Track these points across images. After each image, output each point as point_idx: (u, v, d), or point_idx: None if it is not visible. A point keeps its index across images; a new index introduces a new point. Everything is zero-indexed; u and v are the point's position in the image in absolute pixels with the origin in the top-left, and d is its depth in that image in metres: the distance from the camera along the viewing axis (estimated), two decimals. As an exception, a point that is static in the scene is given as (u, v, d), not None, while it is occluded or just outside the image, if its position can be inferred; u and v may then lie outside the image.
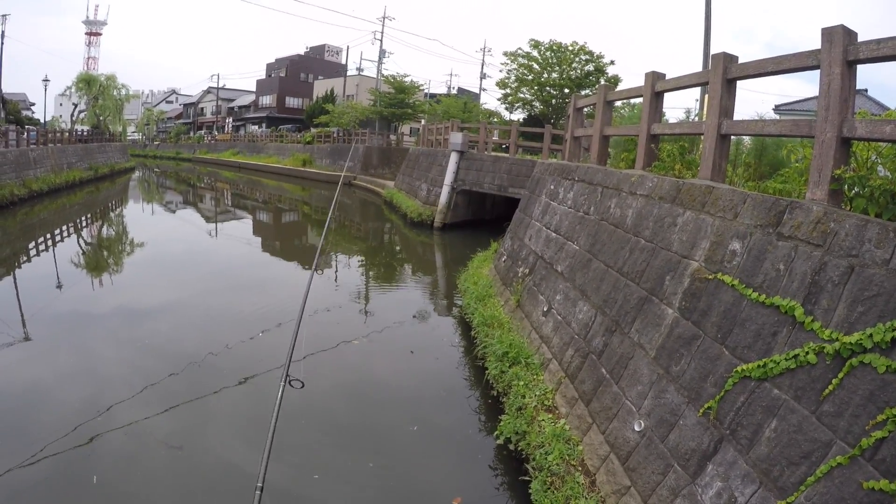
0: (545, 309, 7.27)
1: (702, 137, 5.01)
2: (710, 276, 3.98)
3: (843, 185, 3.55)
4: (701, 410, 3.61)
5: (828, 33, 3.59)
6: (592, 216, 6.82)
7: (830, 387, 2.74)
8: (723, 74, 4.63)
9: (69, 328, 9.51)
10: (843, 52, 3.50)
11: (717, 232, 4.09)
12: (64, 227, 19.80)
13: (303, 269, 15.09)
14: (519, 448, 5.38)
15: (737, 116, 4.77)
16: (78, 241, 18.22)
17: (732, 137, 5.09)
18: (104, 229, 21.16)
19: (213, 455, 5.75)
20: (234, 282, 13.19)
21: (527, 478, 4.84)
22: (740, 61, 4.62)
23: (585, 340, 5.77)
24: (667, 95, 6.14)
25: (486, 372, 6.96)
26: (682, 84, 5.61)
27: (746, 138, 6.57)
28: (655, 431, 4.00)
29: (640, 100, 6.46)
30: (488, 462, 5.77)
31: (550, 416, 5.63)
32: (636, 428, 4.22)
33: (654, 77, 6.06)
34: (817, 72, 3.71)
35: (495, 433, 5.77)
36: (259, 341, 8.77)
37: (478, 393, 7.29)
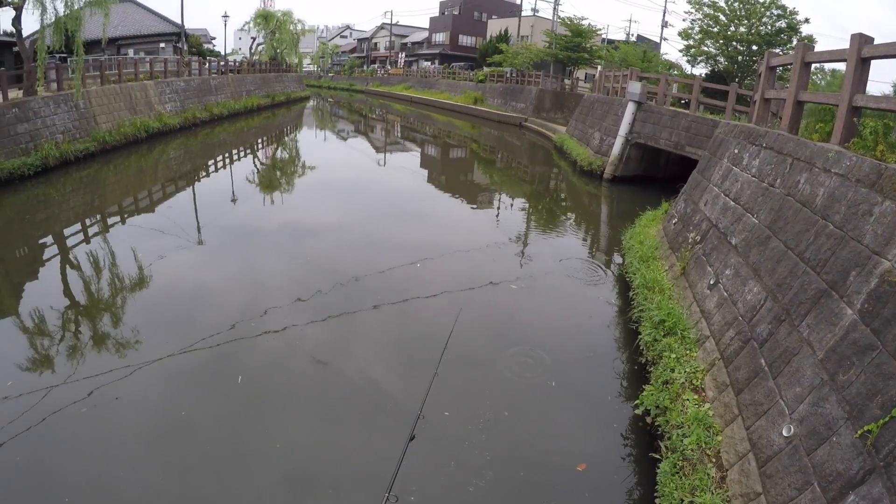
0: (711, 282, 6.90)
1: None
2: (904, 281, 3.54)
3: None
4: (859, 432, 3.33)
5: None
6: (778, 189, 6.21)
7: None
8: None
9: (238, 238, 10.96)
10: None
11: (922, 230, 3.59)
12: (240, 148, 22.45)
13: (465, 206, 15.60)
14: (656, 423, 5.34)
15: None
16: (253, 161, 20.52)
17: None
18: (277, 152, 23.50)
19: (356, 376, 6.32)
20: (398, 210, 14.01)
21: (657, 456, 4.83)
22: None
23: (749, 324, 5.44)
24: (874, 64, 5.25)
25: (639, 337, 6.86)
26: (893, 51, 4.77)
27: None
28: (803, 442, 3.77)
29: (839, 65, 5.60)
30: (621, 431, 5.79)
31: (696, 397, 5.48)
32: (784, 433, 4.00)
33: (862, 40, 5.21)
34: None
35: (635, 402, 5.74)
36: (416, 270, 9.33)
37: (625, 357, 7.25)
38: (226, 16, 49.68)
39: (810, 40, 27.16)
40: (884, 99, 5.37)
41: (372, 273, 9.03)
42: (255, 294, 8.27)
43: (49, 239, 11.52)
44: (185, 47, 38.80)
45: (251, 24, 50.65)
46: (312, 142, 27.69)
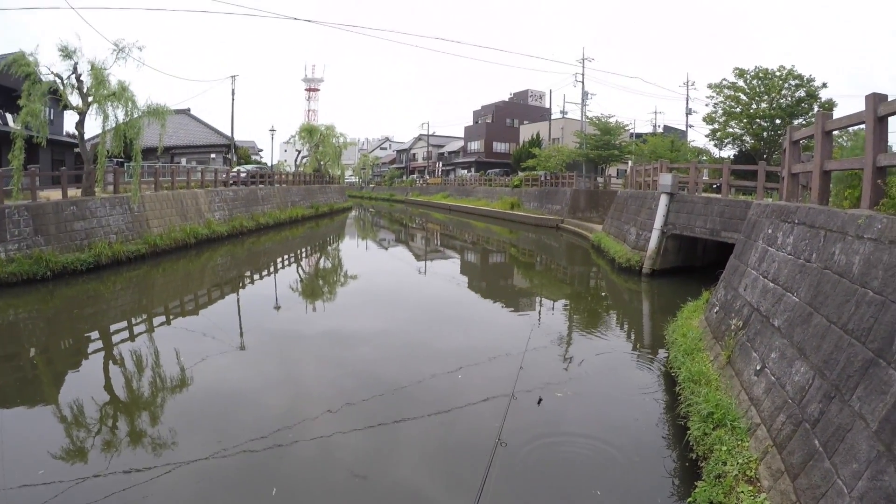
0: (758, 367, 6.69)
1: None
2: (949, 338, 3.44)
3: None
4: (925, 498, 3.13)
5: None
6: (814, 264, 6.17)
7: None
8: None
9: (280, 344, 11.21)
10: None
11: (960, 284, 3.53)
12: (284, 256, 23.37)
13: (505, 310, 15.68)
14: (713, 520, 5.06)
15: None
16: (297, 269, 21.25)
17: None
18: (320, 261, 24.34)
19: (395, 488, 6.12)
20: (438, 317, 14.17)
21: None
22: None
23: (799, 406, 5.22)
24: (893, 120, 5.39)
25: (688, 432, 6.62)
26: None
27: None
28: (868, 518, 3.52)
29: (861, 127, 5.74)
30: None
31: (751, 488, 5.19)
32: (847, 512, 3.74)
33: (876, 99, 5.38)
34: None
35: (688, 501, 5.50)
36: (457, 378, 9.24)
37: (675, 454, 6.94)
38: (273, 130, 53.79)
39: (830, 105, 27.67)
40: None
41: (413, 382, 9.00)
42: (294, 401, 8.31)
43: (95, 333, 12.05)
44: (235, 158, 41.93)
45: (297, 138, 54.52)
46: (354, 251, 28.64)
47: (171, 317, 13.56)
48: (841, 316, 5.12)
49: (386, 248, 30.35)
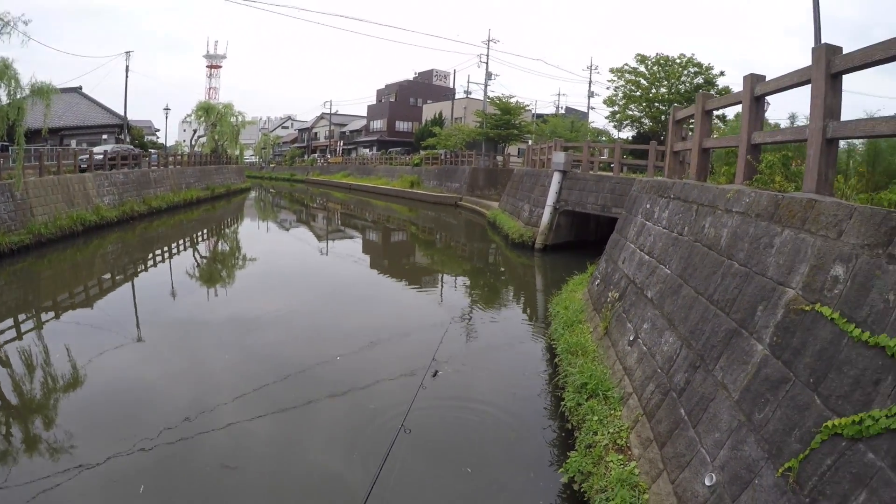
0: (631, 338, 6.68)
1: (806, 145, 4.31)
2: (807, 307, 3.35)
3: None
4: (780, 470, 3.01)
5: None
6: (686, 237, 6.17)
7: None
8: (826, 69, 3.96)
9: (180, 333, 10.32)
10: None
11: (818, 254, 3.45)
12: (179, 241, 21.74)
13: (406, 288, 15.50)
14: (583, 490, 4.93)
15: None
16: (194, 254, 19.85)
17: (842, 144, 4.34)
18: (217, 244, 22.94)
19: (306, 468, 5.81)
20: (342, 297, 13.74)
21: (585, 526, 4.37)
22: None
23: (668, 376, 5.17)
24: (774, 101, 5.41)
25: (562, 403, 6.54)
26: (783, 84, 4.89)
27: (860, 145, 5.64)
28: (727, 489, 3.40)
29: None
30: (552, 500, 5.33)
31: (621, 457, 5.09)
32: (706, 482, 3.63)
33: (753, 80, 5.38)
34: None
35: (560, 471, 5.36)
36: (361, 358, 8.96)
37: (555, 425, 6.85)
38: (167, 108, 49.52)
39: (726, 91, 29.17)
40: (778, 132, 5.46)
41: (318, 364, 8.68)
42: (199, 391, 7.68)
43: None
44: (128, 139, 38.40)
45: (193, 117, 50.74)
46: (254, 233, 27.21)
47: (62, 311, 11.97)
48: (708, 287, 5.08)
49: (287, 230, 29.09)
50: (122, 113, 39.82)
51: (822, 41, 14.58)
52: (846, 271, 3.11)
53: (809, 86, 4.15)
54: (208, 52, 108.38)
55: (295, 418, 6.90)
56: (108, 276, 15.58)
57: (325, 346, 9.54)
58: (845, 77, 3.98)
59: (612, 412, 5.86)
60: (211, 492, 5.34)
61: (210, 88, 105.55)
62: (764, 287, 4.01)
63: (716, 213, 5.47)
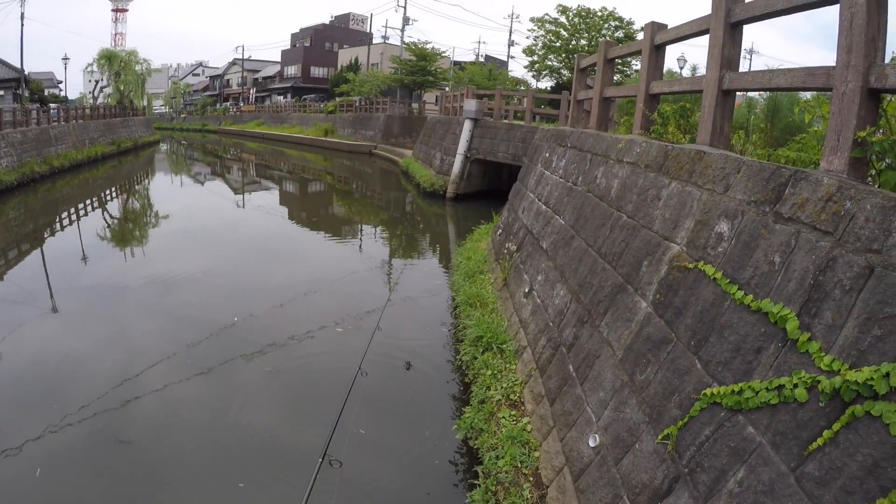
0: (527, 290, 6.43)
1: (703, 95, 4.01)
2: (691, 265, 3.08)
3: (869, 153, 2.59)
4: (660, 436, 2.77)
5: (851, -46, 2.59)
6: (580, 187, 5.88)
7: (820, 440, 1.86)
8: (725, 18, 3.62)
9: (94, 299, 9.35)
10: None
11: (704, 209, 3.16)
12: (85, 202, 19.71)
13: (320, 239, 14.98)
14: (475, 447, 4.67)
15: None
16: (103, 214, 18.07)
17: (743, 100, 4.09)
18: (127, 202, 21.09)
19: (238, 426, 5.46)
20: (260, 251, 13.09)
21: (477, 482, 4.11)
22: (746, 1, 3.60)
23: (558, 330, 4.94)
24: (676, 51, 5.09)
25: (458, 356, 6.27)
26: (682, 33, 4.56)
27: (762, 100, 5.50)
28: (610, 451, 3.18)
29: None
30: (448, 458, 5.04)
31: (514, 412, 4.87)
32: (591, 443, 3.40)
33: (654, 28, 5.03)
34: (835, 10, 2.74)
35: (454, 427, 5.09)
36: (284, 310, 8.61)
37: (458, 378, 6.56)
38: (66, 58, 43.86)
39: None
40: (675, 81, 5.19)
41: (241, 320, 8.20)
42: (122, 357, 7.01)
43: None
44: (26, 93, 33.87)
45: (94, 66, 45.40)
46: (166, 189, 25.16)
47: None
48: (597, 239, 4.82)
49: (200, 184, 27.14)
50: (18, 65, 35.08)
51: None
52: (731, 229, 2.83)
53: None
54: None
55: (221, 378, 6.51)
56: (12, 244, 13.78)
57: (245, 302, 9.02)
58: (747, 28, 3.67)
59: (507, 366, 5.62)
60: (143, 461, 4.89)
61: (116, 34, 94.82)
62: (650, 241, 3.74)
63: (608, 164, 5.17)
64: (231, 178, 29.84)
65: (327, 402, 5.92)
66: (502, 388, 5.24)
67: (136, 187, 25.14)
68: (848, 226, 2.18)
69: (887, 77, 2.43)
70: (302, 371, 6.77)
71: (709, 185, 3.18)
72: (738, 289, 2.61)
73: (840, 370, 1.92)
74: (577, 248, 5.22)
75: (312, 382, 6.54)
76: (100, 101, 45.56)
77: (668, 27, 4.93)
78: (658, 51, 5.07)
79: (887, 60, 2.60)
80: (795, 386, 2.09)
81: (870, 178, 2.73)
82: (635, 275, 3.76)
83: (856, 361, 1.91)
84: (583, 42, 30.36)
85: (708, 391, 2.54)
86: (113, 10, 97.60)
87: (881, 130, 2.65)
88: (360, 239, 15.43)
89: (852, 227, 2.16)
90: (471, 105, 18.05)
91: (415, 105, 40.23)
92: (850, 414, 1.80)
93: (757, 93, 5.57)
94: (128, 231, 15.74)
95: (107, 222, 17.04)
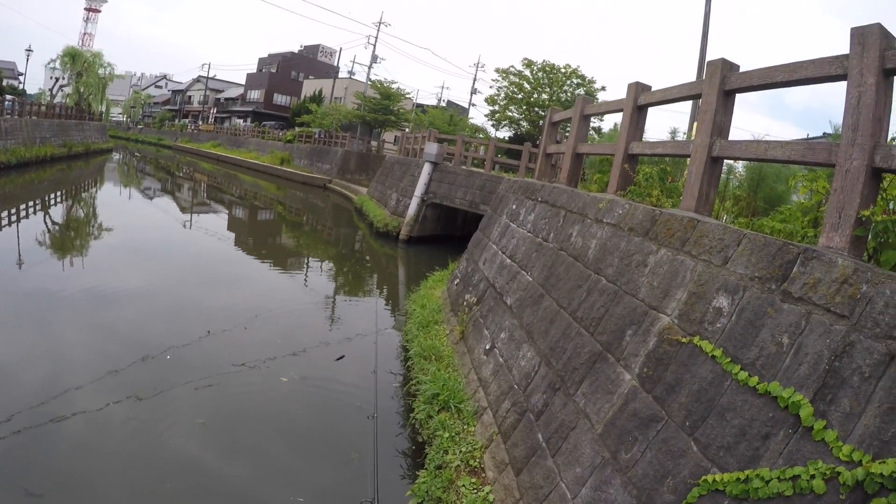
0: (487, 346, 6.22)
1: (688, 161, 4.03)
2: (685, 339, 2.96)
3: (869, 232, 2.60)
4: (653, 528, 2.58)
5: (859, 34, 2.67)
6: (551, 244, 5.80)
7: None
8: (719, 85, 3.67)
9: (27, 310, 8.62)
10: (879, 57, 2.56)
11: (699, 280, 3.08)
12: (29, 204, 18.49)
13: (269, 270, 14.51)
14: (432, 519, 4.34)
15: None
16: (46, 220, 16.98)
17: (725, 164, 4.13)
18: (72, 210, 20.00)
19: (167, 453, 5.22)
20: (205, 275, 12.66)
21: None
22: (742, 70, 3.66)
23: (524, 394, 4.72)
24: (653, 115, 5.16)
25: (412, 414, 5.93)
26: (669, 96, 4.64)
27: (739, 168, 5.65)
28: (590, 540, 2.95)
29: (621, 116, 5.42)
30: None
31: (474, 480, 4.56)
32: (567, 528, 3.16)
33: (638, 88, 5.11)
34: (830, 88, 2.79)
35: (408, 494, 4.72)
36: (226, 338, 8.25)
37: (408, 434, 6.20)
38: (29, 50, 41.97)
39: None
40: (659, 144, 5.24)
41: (180, 344, 7.80)
42: (51, 374, 6.57)
43: None
44: None
45: (57, 63, 43.67)
46: (113, 200, 24.14)
47: None
48: (571, 301, 4.69)
49: (149, 199, 26.15)
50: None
51: (703, 70, 15.46)
52: (731, 304, 2.74)
53: (691, 102, 3.87)
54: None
55: (156, 403, 6.07)
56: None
57: (186, 325, 8.67)
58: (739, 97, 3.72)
59: (466, 427, 5.34)
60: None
61: (85, 34, 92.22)
62: (634, 309, 3.63)
63: (585, 222, 5.11)
64: (181, 196, 28.95)
65: (258, 453, 5.52)
66: (461, 451, 4.94)
67: (83, 195, 24.06)
68: (865, 310, 2.11)
69: (893, 157, 2.44)
70: (235, 417, 6.25)
71: (704, 256, 3.11)
72: (741, 369, 2.50)
73: (861, 461, 1.83)
74: (547, 309, 5.08)
75: (246, 430, 5.99)
76: (58, 99, 43.79)
77: (653, 89, 5.01)
78: (640, 111, 5.14)
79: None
80: (812, 477, 1.98)
81: (865, 257, 2.72)
82: (617, 344, 3.63)
83: (878, 452, 1.82)
84: (544, 96, 31.46)
85: (709, 477, 2.38)
86: (86, 9, 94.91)
87: (883, 210, 2.66)
88: (307, 273, 14.99)
89: (870, 311, 2.09)
90: (432, 148, 18.15)
91: (374, 143, 40.40)
92: (877, 511, 1.68)
93: (734, 161, 5.73)
94: (68, 240, 14.91)
95: (47, 228, 16.06)
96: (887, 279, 2.10)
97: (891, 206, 2.72)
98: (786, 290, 2.47)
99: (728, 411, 2.49)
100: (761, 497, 2.13)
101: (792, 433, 2.17)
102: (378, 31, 44.62)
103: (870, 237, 2.67)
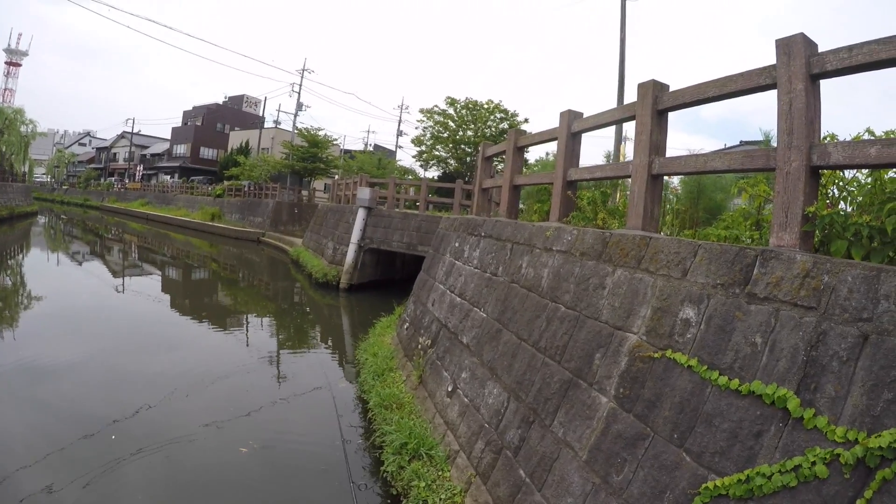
0: (450, 388, 6.10)
1: (627, 182, 4.17)
2: (657, 354, 2.99)
3: (819, 226, 2.74)
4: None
5: (785, 44, 2.86)
6: (501, 277, 5.81)
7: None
8: (652, 105, 3.85)
9: None
10: (805, 64, 2.76)
11: (662, 295, 3.14)
12: None
13: (208, 331, 13.69)
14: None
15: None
16: None
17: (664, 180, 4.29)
18: None
19: None
20: (143, 340, 11.84)
21: None
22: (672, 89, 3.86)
23: (497, 431, 4.62)
24: (586, 141, 5.34)
25: (383, 467, 5.68)
26: (603, 121, 4.83)
27: (675, 183, 5.90)
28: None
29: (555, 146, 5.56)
30: None
31: (459, 529, 4.40)
32: (568, 566, 3.06)
33: (571, 115, 5.28)
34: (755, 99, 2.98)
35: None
36: (169, 407, 7.73)
37: (378, 488, 5.91)
38: None
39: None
40: (598, 168, 5.37)
41: (125, 416, 7.38)
42: None
43: None
44: None
45: None
46: (42, 266, 22.52)
47: None
48: (532, 333, 4.68)
49: (79, 263, 24.59)
50: None
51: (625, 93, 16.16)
52: (698, 314, 2.80)
53: (627, 124, 4.03)
54: (9, 45, 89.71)
55: (105, 485, 5.55)
56: None
57: (127, 395, 8.13)
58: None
59: (441, 473, 5.15)
60: None
61: (5, 90, 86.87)
62: (599, 333, 3.65)
63: (533, 252, 5.16)
64: (112, 259, 27.40)
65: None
66: (440, 499, 4.75)
67: (10, 262, 22.41)
68: (831, 299, 2.21)
69: (830, 155, 2.60)
70: (193, 494, 5.82)
71: (663, 271, 3.18)
72: (720, 374, 2.54)
73: (857, 439, 1.92)
74: (507, 343, 5.05)
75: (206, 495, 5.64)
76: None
77: (586, 115, 5.19)
78: (574, 138, 5.29)
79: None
80: (814, 463, 2.04)
81: (816, 250, 2.87)
82: (587, 369, 3.62)
83: (872, 427, 1.91)
84: (469, 133, 32.25)
85: (709, 484, 2.37)
86: (7, 63, 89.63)
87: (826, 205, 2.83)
88: (248, 331, 14.36)
89: (836, 299, 2.19)
90: (365, 193, 18.06)
91: (305, 192, 39.92)
92: (880, 479, 1.81)
93: (668, 177, 5.98)
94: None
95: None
96: (847, 267, 2.21)
97: (829, 199, 2.89)
98: (750, 293, 2.56)
99: (715, 417, 2.51)
100: (766, 493, 2.15)
101: (783, 426, 2.21)
102: (302, 77, 44.46)
103: (816, 231, 2.82)
